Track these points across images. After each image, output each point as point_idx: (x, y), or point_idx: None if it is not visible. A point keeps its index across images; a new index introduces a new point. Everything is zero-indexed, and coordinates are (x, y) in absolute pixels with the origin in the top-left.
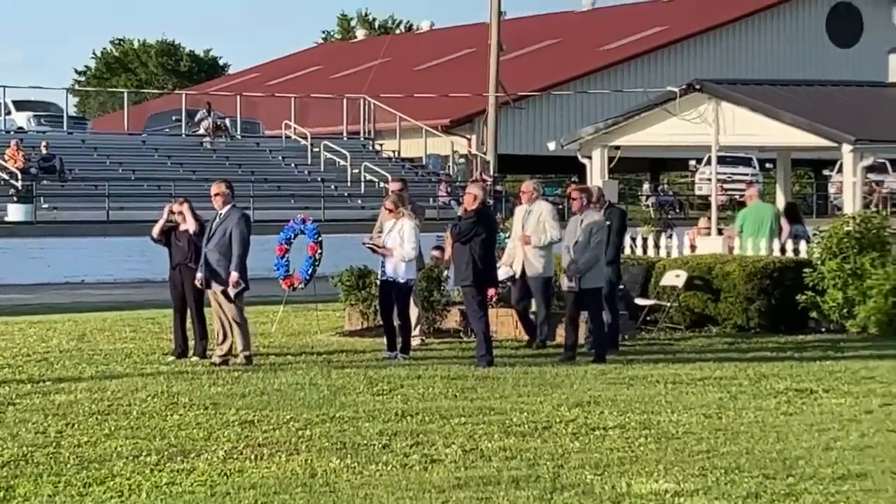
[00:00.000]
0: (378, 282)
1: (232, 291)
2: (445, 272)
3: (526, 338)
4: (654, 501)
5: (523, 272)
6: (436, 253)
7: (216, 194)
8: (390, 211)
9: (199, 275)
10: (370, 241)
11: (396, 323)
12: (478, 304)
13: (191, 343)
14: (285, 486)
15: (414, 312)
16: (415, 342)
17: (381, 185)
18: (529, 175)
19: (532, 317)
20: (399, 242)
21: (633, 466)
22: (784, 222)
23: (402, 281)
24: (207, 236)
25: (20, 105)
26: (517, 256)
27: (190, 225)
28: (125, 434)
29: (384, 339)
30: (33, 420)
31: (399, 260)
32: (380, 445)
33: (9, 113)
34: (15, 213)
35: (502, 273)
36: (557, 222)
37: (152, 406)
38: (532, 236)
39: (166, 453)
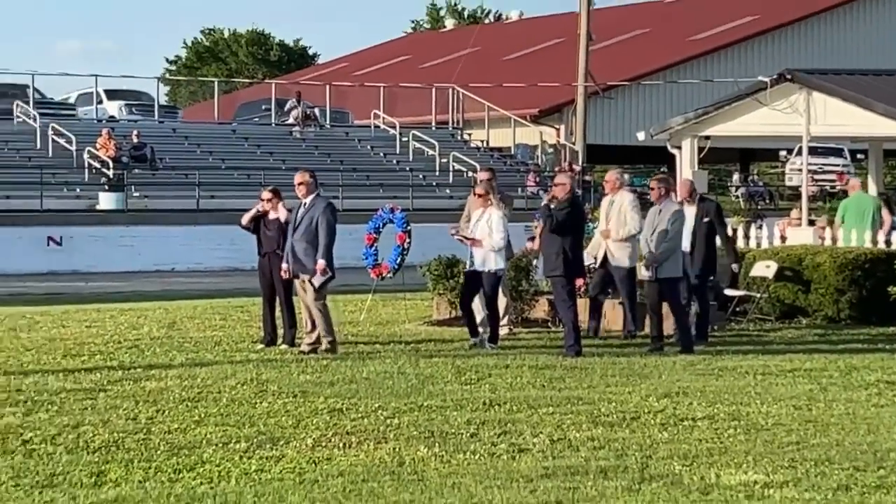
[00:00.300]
0: (465, 271)
1: (318, 280)
2: (534, 262)
3: (618, 328)
4: (743, 493)
5: (605, 262)
6: (530, 244)
7: (300, 183)
8: (480, 196)
9: (284, 265)
10: (458, 232)
11: (483, 313)
12: (567, 293)
13: (280, 331)
14: (373, 474)
15: (502, 302)
16: (503, 332)
17: (470, 174)
18: (618, 165)
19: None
20: (488, 232)
21: (722, 458)
22: (885, 213)
23: (491, 270)
24: (293, 226)
25: (112, 94)
26: (601, 247)
27: (281, 213)
28: (215, 421)
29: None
30: (124, 406)
31: (488, 249)
32: (467, 434)
33: (101, 102)
34: (106, 201)
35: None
36: (639, 213)
37: (241, 393)
38: (612, 229)
39: (255, 440)
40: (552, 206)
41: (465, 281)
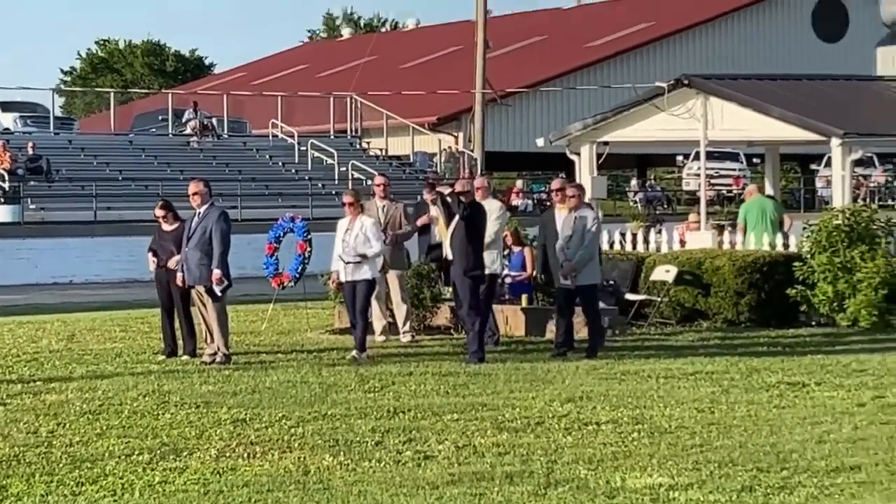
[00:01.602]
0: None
1: (217, 289)
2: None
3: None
4: (648, 496)
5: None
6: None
7: (194, 193)
8: (350, 206)
9: (179, 275)
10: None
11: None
12: (475, 298)
13: (180, 342)
14: (279, 483)
15: (402, 309)
16: (405, 339)
17: (369, 182)
18: (517, 172)
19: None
20: (363, 240)
21: (627, 461)
22: (786, 215)
23: (366, 279)
24: (187, 236)
25: (6, 106)
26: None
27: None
28: (117, 433)
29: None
30: (24, 420)
31: (370, 258)
32: (373, 442)
33: None
34: (2, 214)
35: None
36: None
37: (144, 405)
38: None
39: (159, 452)
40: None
41: (346, 293)
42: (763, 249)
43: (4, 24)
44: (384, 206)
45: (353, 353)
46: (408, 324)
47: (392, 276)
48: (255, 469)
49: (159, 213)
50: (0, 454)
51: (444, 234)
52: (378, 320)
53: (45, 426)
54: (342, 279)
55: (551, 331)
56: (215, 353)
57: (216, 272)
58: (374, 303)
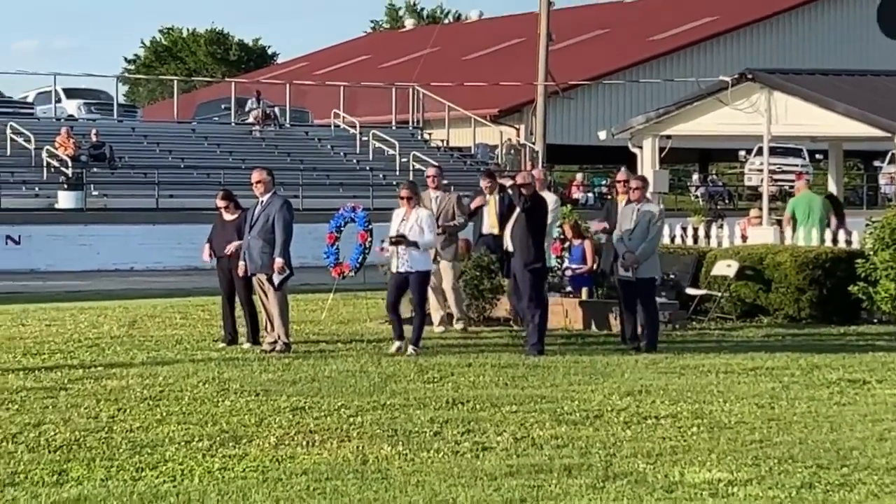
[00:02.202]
0: (392, 273)
1: (277, 278)
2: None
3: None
4: (707, 490)
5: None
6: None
7: (258, 181)
8: (405, 199)
9: (240, 263)
10: (383, 247)
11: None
12: (538, 291)
13: (241, 330)
14: (337, 472)
15: (452, 299)
16: (458, 326)
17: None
18: (578, 165)
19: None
20: (418, 232)
21: (686, 455)
22: (832, 216)
23: (421, 271)
24: (249, 224)
25: (71, 93)
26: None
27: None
28: (177, 419)
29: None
30: (85, 405)
31: (421, 250)
32: (431, 433)
33: (59, 101)
34: (65, 200)
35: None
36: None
37: (204, 392)
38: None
39: (218, 439)
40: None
41: (392, 284)
42: (825, 246)
43: (69, 11)
44: (437, 196)
45: (411, 349)
46: (459, 311)
47: (444, 266)
48: (314, 457)
49: (220, 203)
50: (61, 439)
51: (494, 221)
52: (436, 311)
53: (105, 411)
54: (392, 269)
55: (615, 324)
56: (275, 342)
57: (278, 261)
58: (430, 294)
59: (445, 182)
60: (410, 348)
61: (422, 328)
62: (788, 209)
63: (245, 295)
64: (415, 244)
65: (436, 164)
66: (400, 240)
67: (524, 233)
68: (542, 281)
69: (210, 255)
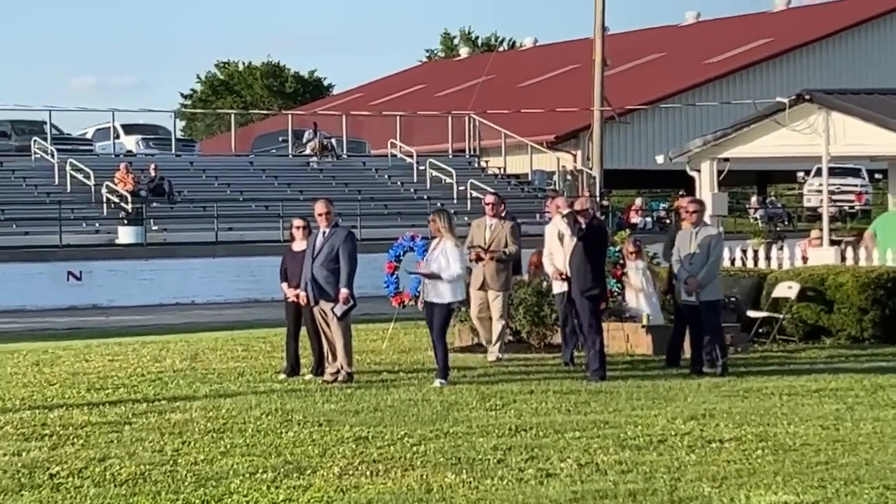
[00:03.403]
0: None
1: (340, 309)
2: (544, 282)
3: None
4: None
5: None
6: (534, 259)
7: (326, 213)
8: (435, 229)
9: (301, 293)
10: (415, 270)
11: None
12: (595, 316)
13: (303, 360)
14: (401, 501)
15: (497, 327)
16: (491, 357)
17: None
18: (636, 190)
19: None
20: (444, 263)
21: (752, 479)
22: None
23: (444, 302)
24: (312, 255)
25: (129, 129)
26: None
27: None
28: (241, 451)
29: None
30: (150, 438)
31: (445, 281)
32: (495, 460)
33: (118, 137)
34: (125, 235)
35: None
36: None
37: (267, 424)
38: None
39: (282, 470)
40: (580, 226)
41: (427, 314)
42: (888, 265)
43: (126, 48)
44: (492, 224)
45: (437, 381)
46: (499, 344)
47: (492, 294)
48: (378, 487)
49: (300, 223)
50: (126, 473)
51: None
52: (483, 338)
53: (170, 445)
54: (424, 299)
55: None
56: (338, 372)
57: (344, 291)
58: (476, 322)
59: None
60: (437, 381)
61: (446, 359)
62: (872, 226)
63: (313, 325)
64: (438, 276)
65: (494, 192)
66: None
67: (581, 259)
68: (599, 307)
69: (296, 287)
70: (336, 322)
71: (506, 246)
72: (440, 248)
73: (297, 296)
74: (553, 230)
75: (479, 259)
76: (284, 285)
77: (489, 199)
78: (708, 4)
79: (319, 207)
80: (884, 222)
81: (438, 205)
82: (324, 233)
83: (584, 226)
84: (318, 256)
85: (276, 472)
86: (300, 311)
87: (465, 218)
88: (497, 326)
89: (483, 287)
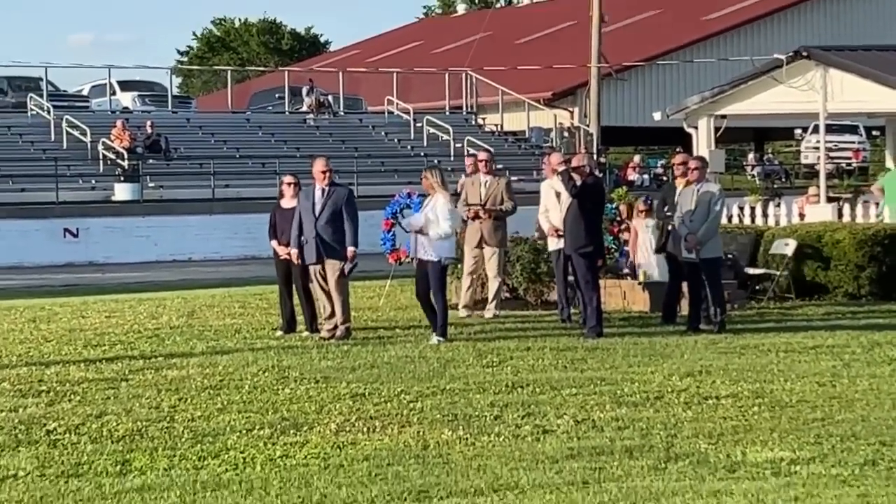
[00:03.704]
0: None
1: (349, 266)
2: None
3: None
4: (769, 469)
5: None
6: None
7: (328, 170)
8: (428, 186)
9: (293, 250)
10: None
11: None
12: (592, 273)
13: (299, 318)
14: (398, 457)
15: (494, 285)
16: (488, 315)
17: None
18: (633, 147)
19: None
20: (433, 219)
21: (748, 435)
22: None
23: (435, 259)
24: (314, 213)
25: (125, 85)
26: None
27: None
28: (238, 408)
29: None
30: (146, 395)
31: (434, 238)
32: (491, 417)
33: (114, 93)
34: (122, 192)
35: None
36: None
37: (263, 380)
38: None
39: (279, 427)
40: (575, 182)
41: (417, 272)
42: (884, 223)
43: (121, 4)
44: (486, 181)
45: (434, 338)
46: (496, 301)
47: (489, 251)
48: (375, 443)
49: (290, 179)
50: (123, 429)
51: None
52: (463, 295)
53: (166, 401)
54: (415, 255)
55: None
56: (334, 329)
57: (351, 249)
58: (464, 278)
59: (500, 167)
60: (435, 338)
61: (445, 316)
62: (880, 181)
63: (303, 283)
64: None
65: (488, 148)
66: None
67: (575, 217)
68: (595, 264)
69: (286, 245)
70: (337, 279)
71: (502, 202)
72: (431, 205)
73: (289, 254)
74: (548, 187)
75: (476, 217)
76: (274, 243)
77: (483, 155)
78: None
79: (321, 165)
80: (892, 179)
81: (435, 161)
82: (323, 190)
83: (577, 183)
84: (321, 215)
85: (272, 429)
86: (290, 268)
87: (463, 175)
88: (493, 284)
89: (480, 244)
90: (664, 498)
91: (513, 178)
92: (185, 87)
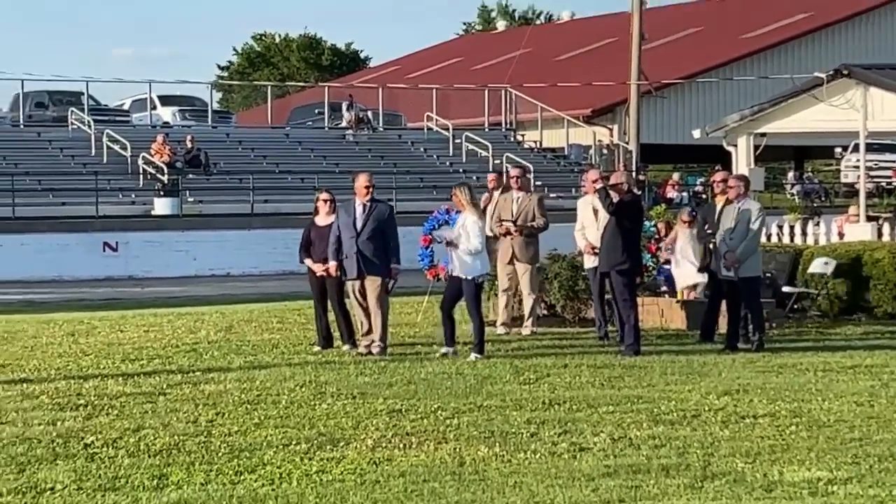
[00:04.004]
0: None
1: (392, 282)
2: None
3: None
4: (807, 489)
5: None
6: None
7: (371, 186)
8: (459, 203)
9: (332, 264)
10: (442, 239)
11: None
12: (629, 291)
13: (335, 334)
14: (434, 474)
15: (528, 301)
16: (525, 332)
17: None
18: (673, 165)
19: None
20: (465, 238)
21: (785, 455)
22: None
23: (468, 277)
24: (355, 229)
25: (166, 100)
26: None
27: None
28: (274, 423)
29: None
30: (184, 409)
31: (464, 255)
32: (528, 434)
33: (155, 108)
34: (161, 206)
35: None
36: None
37: (300, 395)
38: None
39: (315, 442)
40: (612, 199)
41: (448, 286)
42: None
43: (164, 19)
44: (518, 197)
45: (472, 355)
46: (532, 317)
47: (521, 267)
48: (411, 459)
49: (326, 196)
50: (160, 443)
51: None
52: (501, 313)
53: (204, 416)
54: (450, 272)
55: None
56: (371, 344)
57: (396, 267)
58: (500, 296)
59: (539, 184)
60: (473, 355)
61: (482, 333)
62: None
63: (338, 298)
64: (454, 245)
65: (520, 165)
66: (449, 242)
67: (614, 233)
68: (633, 282)
69: (322, 262)
70: (376, 296)
71: (534, 219)
72: (462, 222)
73: (327, 270)
74: (585, 204)
75: (508, 233)
76: (309, 261)
77: (514, 171)
78: None
79: (364, 180)
80: None
81: (474, 179)
82: (364, 206)
83: (615, 200)
84: (363, 231)
85: (309, 444)
86: (325, 285)
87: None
88: (528, 301)
89: (511, 261)
90: None
91: (551, 195)
92: (225, 103)
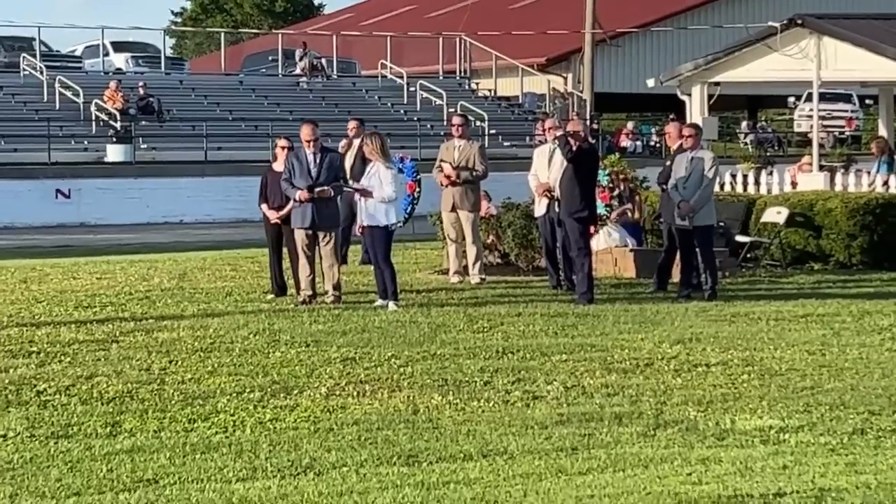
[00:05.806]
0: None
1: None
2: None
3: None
4: (758, 437)
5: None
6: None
7: (315, 139)
8: (370, 152)
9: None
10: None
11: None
12: (584, 239)
13: (289, 281)
14: (388, 422)
15: (472, 250)
16: (475, 280)
17: (478, 123)
18: (626, 114)
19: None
20: (377, 185)
21: (737, 403)
22: None
23: (380, 225)
24: (310, 176)
25: (118, 46)
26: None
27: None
28: (228, 371)
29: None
30: (137, 357)
31: (377, 202)
32: (481, 382)
33: (107, 54)
34: (114, 153)
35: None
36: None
37: (254, 343)
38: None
39: (269, 390)
40: (572, 146)
41: (364, 237)
42: (876, 191)
43: None
44: (460, 145)
45: (391, 305)
46: (478, 265)
47: (464, 216)
48: (365, 407)
49: (285, 143)
50: (114, 391)
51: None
52: (453, 262)
53: (157, 363)
54: (359, 223)
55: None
56: (325, 293)
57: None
58: (449, 244)
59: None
60: (391, 304)
61: (394, 281)
62: None
63: (293, 247)
64: (369, 193)
65: (461, 114)
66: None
67: (571, 181)
68: (588, 230)
69: (277, 209)
70: (327, 243)
71: (474, 167)
72: (373, 171)
73: (280, 217)
74: (541, 152)
75: (449, 179)
76: (265, 207)
77: (456, 120)
78: None
79: (308, 133)
80: None
81: (429, 126)
82: (315, 155)
83: (574, 148)
84: (317, 181)
85: (262, 392)
86: (281, 232)
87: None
88: (472, 249)
89: (454, 209)
90: (653, 464)
91: (505, 143)
92: (178, 49)
